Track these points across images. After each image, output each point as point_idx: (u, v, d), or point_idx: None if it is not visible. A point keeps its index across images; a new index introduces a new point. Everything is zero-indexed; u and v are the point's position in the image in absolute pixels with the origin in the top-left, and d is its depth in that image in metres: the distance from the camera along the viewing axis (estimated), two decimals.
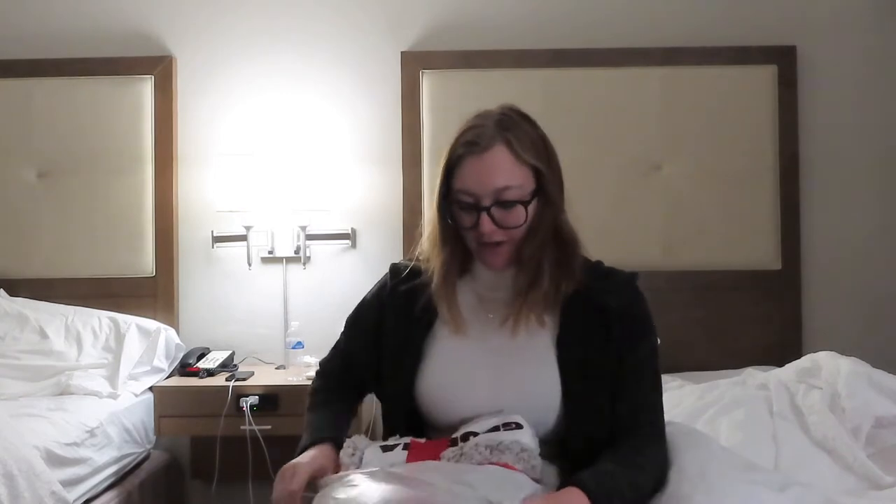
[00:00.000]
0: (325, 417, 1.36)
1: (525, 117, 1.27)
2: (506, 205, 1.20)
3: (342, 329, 1.47)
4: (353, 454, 1.22)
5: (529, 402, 1.22)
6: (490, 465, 1.11)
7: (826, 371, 1.91)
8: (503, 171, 1.20)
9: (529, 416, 1.20)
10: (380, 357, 1.35)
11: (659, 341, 1.30)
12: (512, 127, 1.23)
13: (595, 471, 1.13)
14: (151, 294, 2.73)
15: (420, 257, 1.34)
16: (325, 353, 1.51)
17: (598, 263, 1.33)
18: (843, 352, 2.01)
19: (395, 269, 1.39)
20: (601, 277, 1.29)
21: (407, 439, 1.23)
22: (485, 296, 1.31)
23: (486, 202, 1.20)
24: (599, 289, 1.26)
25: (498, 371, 1.25)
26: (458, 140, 1.24)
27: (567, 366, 1.22)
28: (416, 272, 1.33)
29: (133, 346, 2.53)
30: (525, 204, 1.21)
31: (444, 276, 1.28)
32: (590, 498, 1.07)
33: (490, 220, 1.21)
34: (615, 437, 1.21)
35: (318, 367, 1.50)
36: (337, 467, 1.23)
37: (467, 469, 1.10)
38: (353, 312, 1.44)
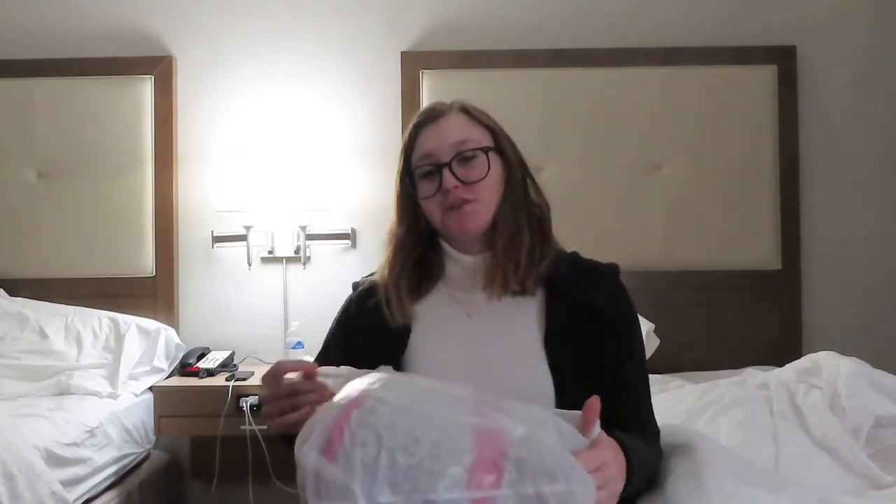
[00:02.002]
0: None
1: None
2: (466, 160, 1.21)
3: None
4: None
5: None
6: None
7: (826, 371, 1.91)
8: (460, 128, 1.23)
9: None
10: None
11: (659, 342, 1.30)
12: (467, 104, 1.27)
13: (625, 434, 1.08)
14: (151, 294, 2.73)
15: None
16: None
17: (575, 254, 1.29)
18: (843, 352, 2.01)
19: (355, 285, 1.37)
20: (583, 272, 1.25)
21: None
22: (460, 298, 1.26)
23: (446, 158, 1.21)
24: (583, 286, 1.22)
25: (486, 376, 1.17)
26: (415, 118, 1.28)
27: (558, 366, 1.17)
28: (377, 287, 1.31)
29: (133, 346, 2.53)
30: (486, 151, 1.21)
31: (397, 251, 1.30)
32: (626, 454, 1.02)
33: (452, 175, 1.20)
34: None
35: None
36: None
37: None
38: (322, 345, 1.37)
